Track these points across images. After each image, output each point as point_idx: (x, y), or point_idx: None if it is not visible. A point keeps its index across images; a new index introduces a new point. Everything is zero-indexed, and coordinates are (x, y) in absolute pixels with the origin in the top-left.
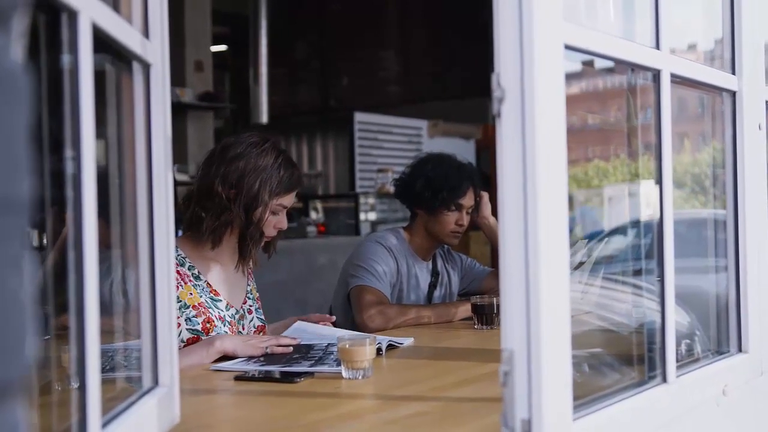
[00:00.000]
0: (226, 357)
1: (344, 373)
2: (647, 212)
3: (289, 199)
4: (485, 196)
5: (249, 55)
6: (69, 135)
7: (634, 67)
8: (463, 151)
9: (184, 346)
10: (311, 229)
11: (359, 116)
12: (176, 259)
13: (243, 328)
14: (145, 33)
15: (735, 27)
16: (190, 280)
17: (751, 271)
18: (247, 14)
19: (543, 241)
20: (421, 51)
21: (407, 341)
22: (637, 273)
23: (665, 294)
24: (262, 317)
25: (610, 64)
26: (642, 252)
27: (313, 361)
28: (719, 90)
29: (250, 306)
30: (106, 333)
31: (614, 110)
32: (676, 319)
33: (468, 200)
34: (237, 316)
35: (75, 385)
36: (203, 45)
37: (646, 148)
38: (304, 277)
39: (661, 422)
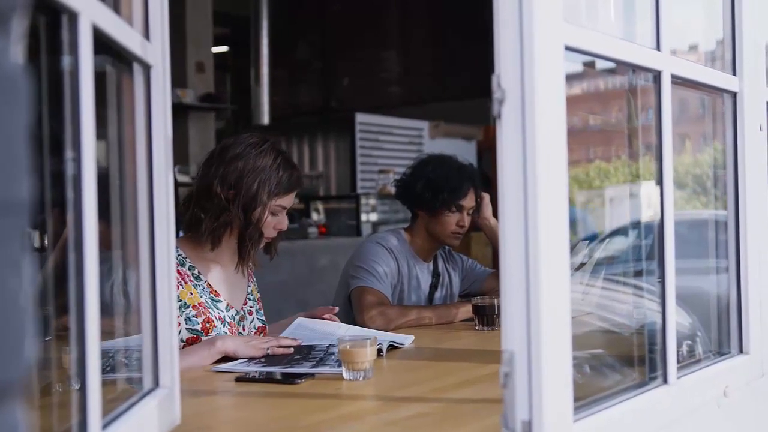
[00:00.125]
0: (226, 358)
1: (345, 374)
2: (648, 213)
3: (289, 200)
4: (486, 197)
5: (250, 56)
6: (69, 136)
7: (635, 68)
8: (464, 152)
9: (184, 346)
10: (312, 230)
11: (360, 117)
12: (177, 259)
13: (243, 329)
14: (146, 34)
15: (736, 28)
16: (190, 280)
17: (752, 272)
18: (248, 15)
19: (543, 242)
20: (422, 52)
21: (408, 339)
22: (638, 274)
23: (666, 295)
24: (263, 318)
25: (611, 64)
26: (643, 253)
27: (314, 362)
28: (720, 91)
29: (251, 307)
30: (107, 334)
31: (615, 111)
32: (676, 320)
33: (469, 201)
34: (237, 317)
35: (76, 386)
36: (204, 46)
37: (647, 149)
38: (305, 278)
39: (661, 423)
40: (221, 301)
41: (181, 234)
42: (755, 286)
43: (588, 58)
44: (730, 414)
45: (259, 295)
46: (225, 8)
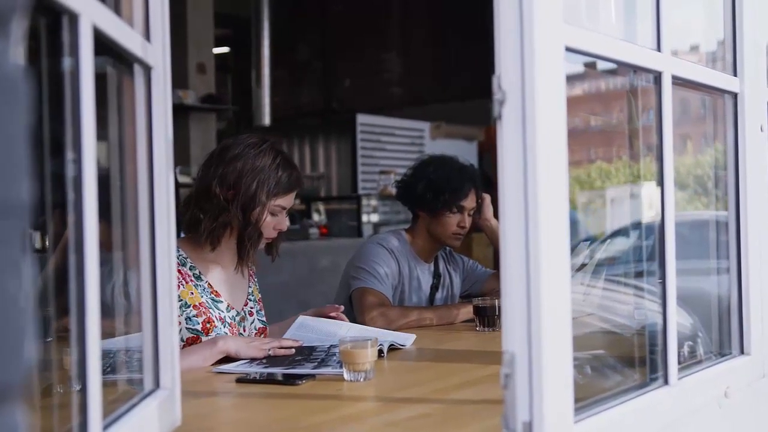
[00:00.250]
0: (228, 359)
1: (346, 376)
2: (649, 214)
3: (288, 200)
4: (487, 198)
5: (251, 57)
6: (70, 137)
7: (636, 69)
8: (466, 153)
9: (184, 346)
10: (313, 230)
11: (361, 118)
12: (178, 259)
13: (244, 330)
14: (147, 36)
15: (736, 29)
16: (191, 280)
17: (753, 273)
18: (249, 16)
19: (544, 242)
20: (423, 53)
21: (410, 339)
22: (639, 275)
23: (667, 296)
24: (264, 319)
25: (612, 65)
26: (644, 254)
27: (316, 363)
28: (721, 92)
29: (252, 308)
30: (108, 335)
31: (616, 112)
32: (678, 321)
33: (470, 202)
34: (238, 318)
35: (77, 387)
36: (205, 47)
37: (649, 150)
38: (306, 279)
39: (662, 424)
40: (222, 301)
41: (182, 235)
42: (756, 287)
43: (589, 59)
44: (731, 415)
45: (260, 295)
46: (226, 9)
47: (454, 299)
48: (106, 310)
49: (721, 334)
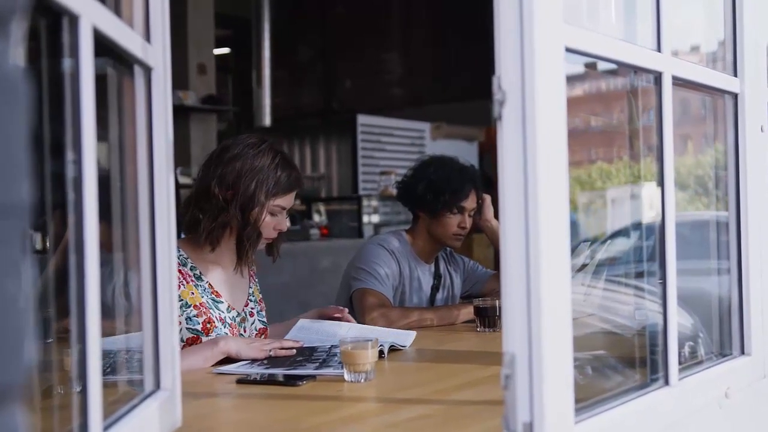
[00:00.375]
0: (228, 359)
1: (347, 376)
2: (650, 214)
3: (288, 200)
4: (488, 198)
5: (252, 58)
6: (70, 138)
7: (636, 70)
8: (466, 153)
9: (184, 346)
10: (314, 231)
11: (362, 119)
12: (178, 259)
13: (245, 331)
14: (147, 37)
15: (737, 29)
16: (192, 280)
17: (753, 273)
18: (250, 17)
19: (544, 243)
20: (423, 53)
21: (410, 337)
22: (640, 275)
23: (667, 296)
24: (264, 320)
25: (612, 66)
26: (644, 254)
27: (317, 364)
28: (721, 92)
29: (252, 309)
30: (108, 336)
31: (617, 112)
32: (678, 321)
33: (470, 203)
34: (238, 319)
35: (77, 388)
36: (206, 48)
37: (649, 150)
38: (306, 280)
39: (663, 425)
40: (223, 302)
41: (182, 236)
42: (757, 287)
43: (589, 60)
44: (731, 415)
45: (261, 296)
46: (226, 10)
47: (455, 300)
48: (107, 311)
49: (722, 334)
